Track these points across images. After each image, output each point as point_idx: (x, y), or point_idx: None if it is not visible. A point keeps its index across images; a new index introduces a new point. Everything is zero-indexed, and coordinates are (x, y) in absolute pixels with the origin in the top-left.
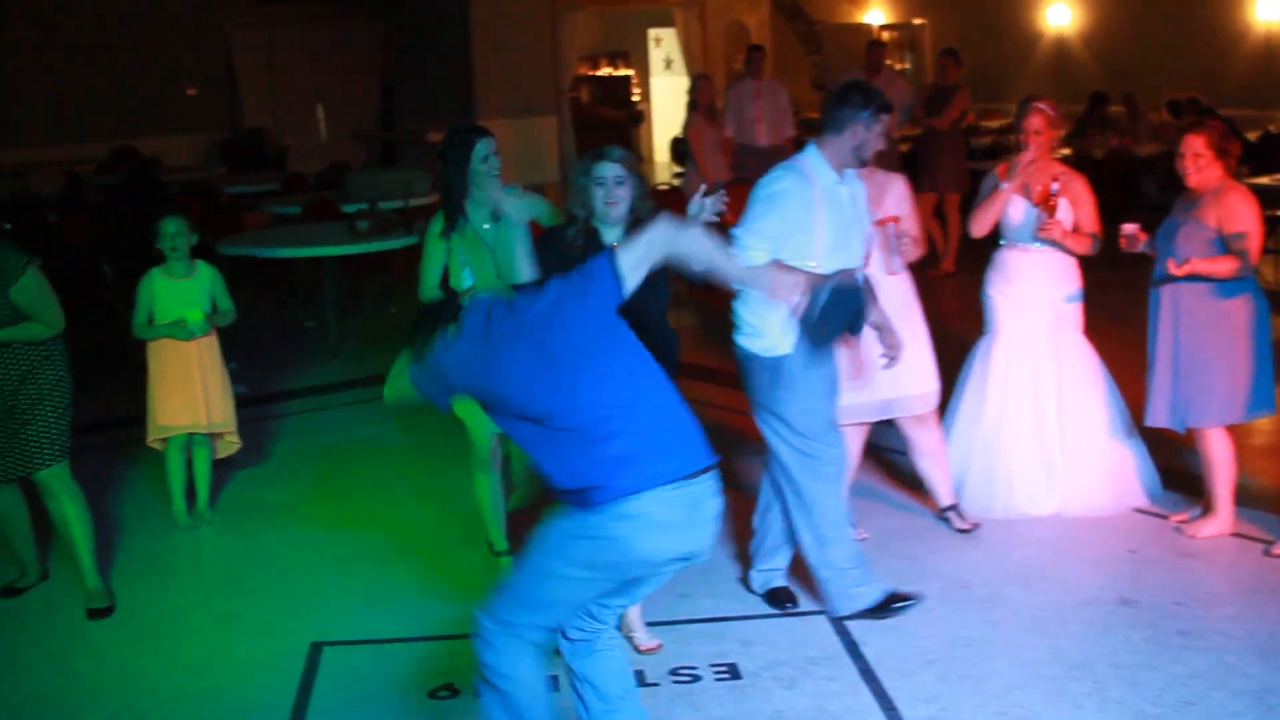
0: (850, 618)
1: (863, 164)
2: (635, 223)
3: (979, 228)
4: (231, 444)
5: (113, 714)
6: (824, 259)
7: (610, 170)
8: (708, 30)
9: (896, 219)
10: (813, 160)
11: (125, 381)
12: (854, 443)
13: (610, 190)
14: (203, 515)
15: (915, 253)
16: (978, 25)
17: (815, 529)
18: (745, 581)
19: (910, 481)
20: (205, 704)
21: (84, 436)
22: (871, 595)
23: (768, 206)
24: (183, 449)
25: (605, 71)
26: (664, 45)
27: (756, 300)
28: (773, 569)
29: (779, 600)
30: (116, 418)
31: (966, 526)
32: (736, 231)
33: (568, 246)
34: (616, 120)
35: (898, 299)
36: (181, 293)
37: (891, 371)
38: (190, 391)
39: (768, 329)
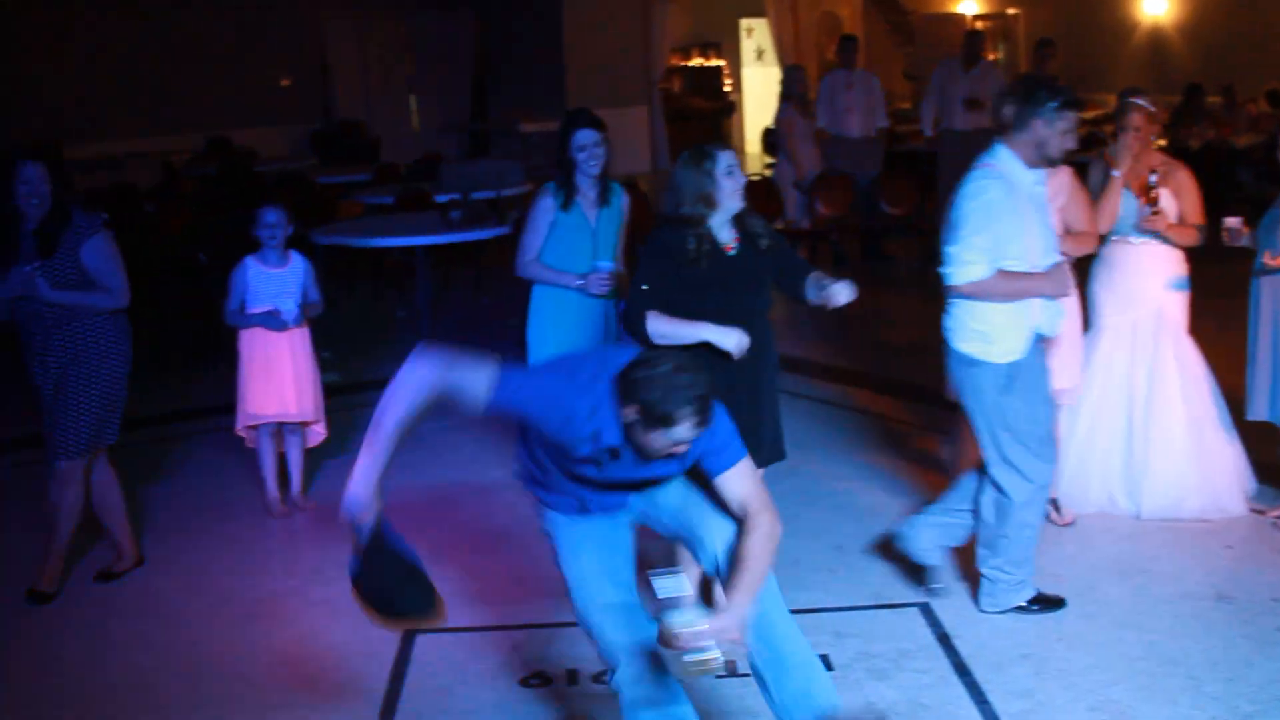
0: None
1: (1051, 163)
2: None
3: (1104, 223)
4: (319, 434)
5: (207, 700)
6: (1038, 260)
7: (733, 157)
8: (799, 20)
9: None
10: (1007, 162)
11: (220, 369)
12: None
13: (738, 178)
14: (296, 503)
15: (1092, 243)
16: (1072, 15)
17: (1004, 538)
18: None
19: None
20: (299, 691)
21: (179, 424)
22: (1024, 595)
23: (983, 219)
24: (272, 437)
25: (697, 62)
26: (755, 36)
27: (986, 306)
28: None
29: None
30: (211, 405)
31: (1064, 522)
32: (951, 249)
33: (690, 261)
34: (708, 111)
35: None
36: (275, 282)
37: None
38: (280, 381)
39: (1000, 335)
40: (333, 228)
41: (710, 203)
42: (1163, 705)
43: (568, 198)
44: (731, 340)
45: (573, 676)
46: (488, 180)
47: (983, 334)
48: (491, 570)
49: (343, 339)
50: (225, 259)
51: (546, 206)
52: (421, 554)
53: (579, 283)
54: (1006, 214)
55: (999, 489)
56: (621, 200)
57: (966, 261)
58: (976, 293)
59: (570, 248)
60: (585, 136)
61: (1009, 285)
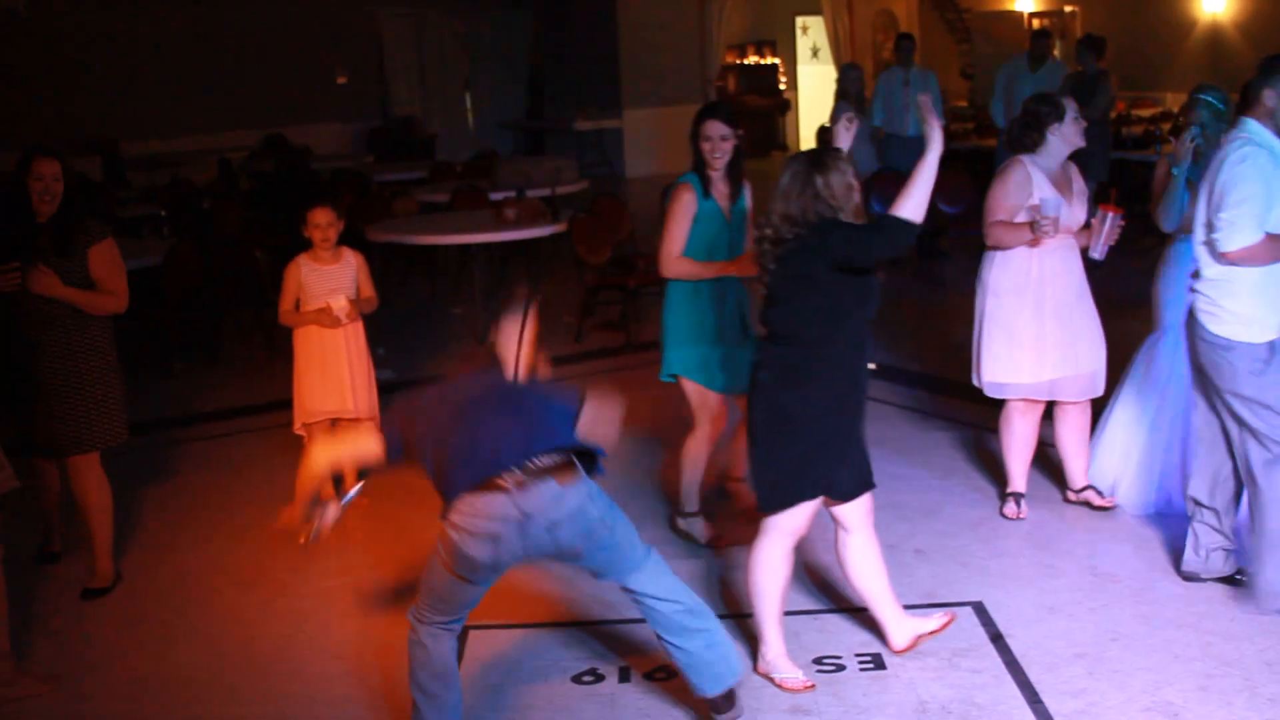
0: None
1: None
2: None
3: (1168, 221)
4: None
5: (261, 692)
6: None
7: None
8: (855, 18)
9: (1120, 209)
10: (1260, 134)
11: (277, 366)
12: (1030, 421)
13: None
14: (351, 500)
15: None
16: (1130, 12)
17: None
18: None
19: (1053, 469)
20: (352, 684)
21: (235, 420)
22: None
23: (1252, 185)
24: (327, 434)
25: (752, 60)
26: (811, 33)
27: (1244, 286)
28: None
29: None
30: (267, 401)
31: (1107, 504)
32: (1222, 215)
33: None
34: (763, 109)
35: (1075, 283)
36: (327, 279)
37: (1067, 353)
38: (336, 378)
39: (1257, 315)
40: (388, 225)
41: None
42: (1218, 708)
43: (704, 187)
44: None
45: (625, 674)
46: (543, 178)
47: (1239, 315)
48: (544, 566)
49: (397, 336)
50: (282, 256)
51: (689, 200)
52: None
53: (731, 270)
54: (1270, 176)
55: (1261, 471)
56: (746, 202)
57: (1238, 227)
58: (1247, 258)
59: (707, 239)
60: (711, 129)
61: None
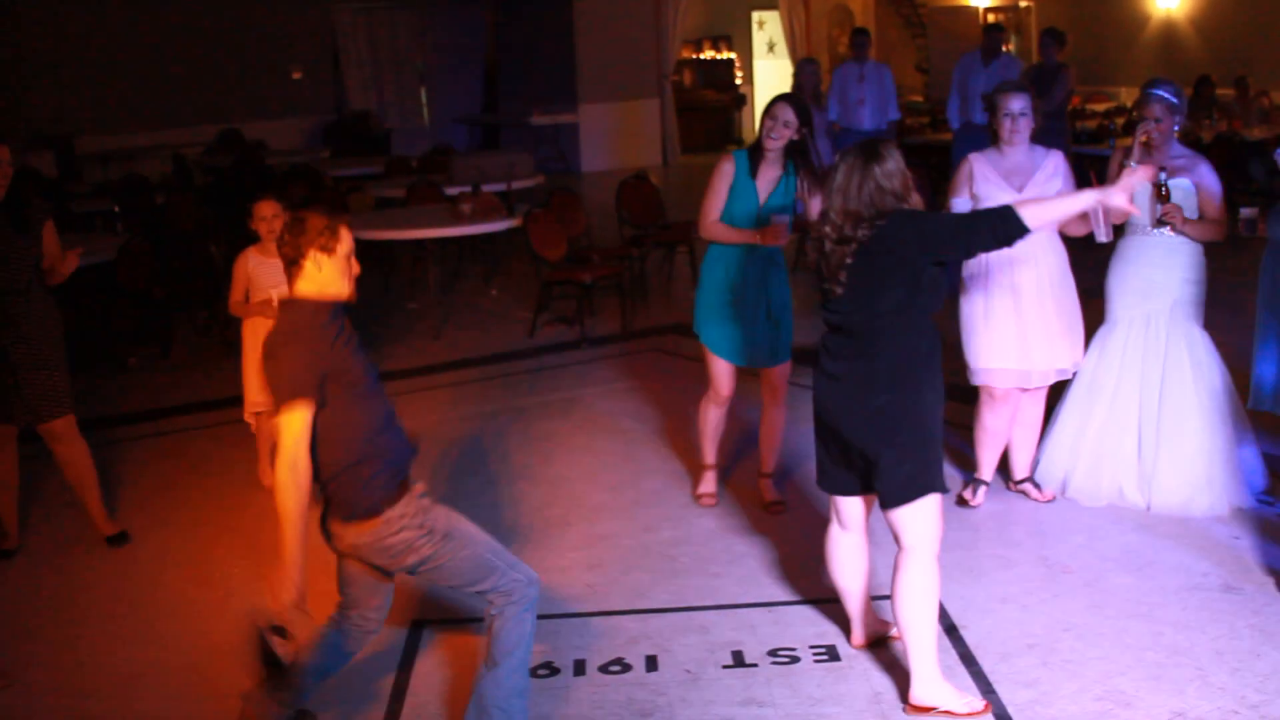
0: None
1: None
2: None
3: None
4: None
5: (211, 690)
6: None
7: None
8: (811, 13)
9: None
10: None
11: (230, 362)
12: (1007, 410)
13: None
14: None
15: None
16: (1084, 8)
17: None
18: None
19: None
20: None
21: (187, 416)
22: None
23: None
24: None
25: (708, 54)
26: (767, 28)
27: None
28: None
29: None
30: (219, 398)
31: (1045, 499)
32: None
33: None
34: (719, 103)
35: (1057, 270)
36: (275, 271)
37: (1045, 341)
38: None
39: None
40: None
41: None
42: (1170, 696)
43: (752, 166)
44: None
45: (580, 666)
46: (498, 173)
47: None
48: None
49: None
50: (236, 251)
51: (727, 171)
52: None
53: (755, 239)
54: None
55: None
56: (791, 195)
57: None
58: None
59: (737, 214)
60: (778, 110)
61: None
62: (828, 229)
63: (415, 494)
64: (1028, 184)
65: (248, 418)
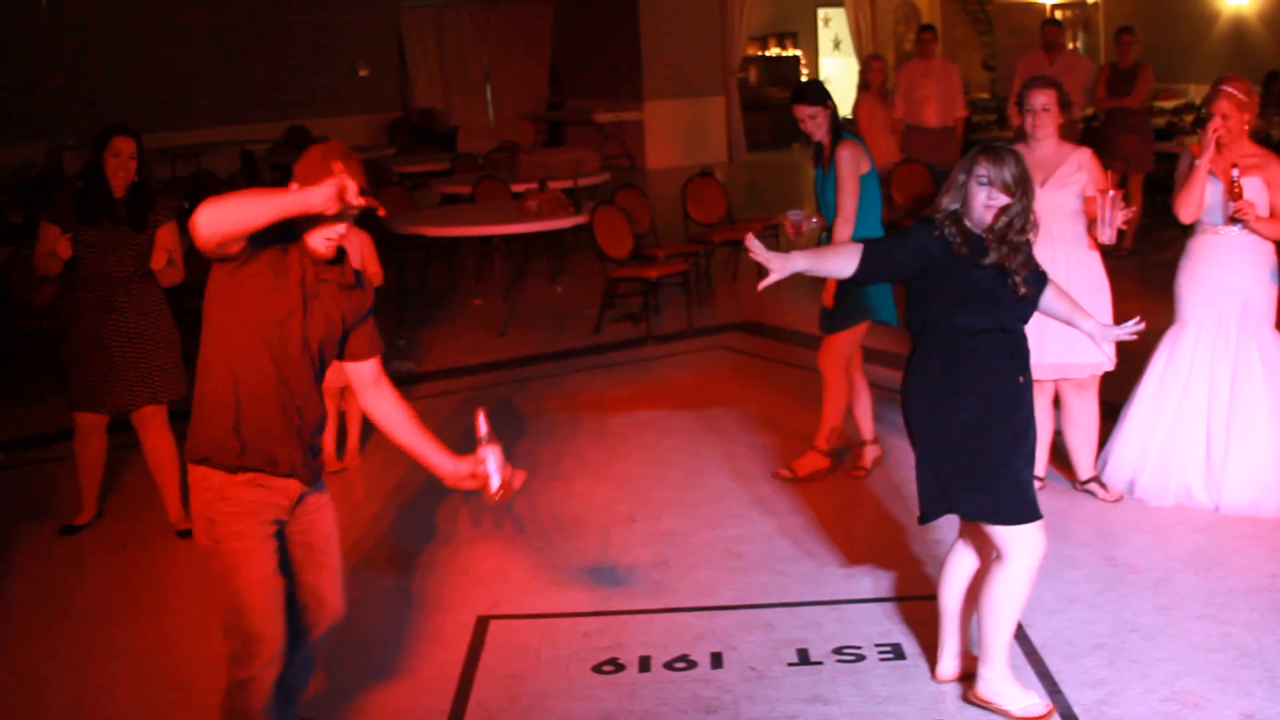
0: None
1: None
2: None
3: (1187, 213)
4: None
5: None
6: None
7: (994, 173)
8: (877, 10)
9: (1119, 190)
10: None
11: None
12: (1039, 403)
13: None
14: (353, 457)
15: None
16: (1153, 4)
17: None
18: None
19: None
20: (374, 675)
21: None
22: None
23: None
24: (335, 399)
25: (774, 52)
26: (833, 25)
27: None
28: None
29: None
30: None
31: (1112, 498)
32: None
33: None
34: (785, 101)
35: (1089, 269)
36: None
37: (1067, 336)
38: None
39: None
40: (410, 217)
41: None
42: (1238, 698)
43: (815, 154)
44: None
45: (645, 663)
46: (564, 170)
47: None
48: (565, 557)
49: (417, 328)
50: None
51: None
52: (497, 540)
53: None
54: None
55: None
56: (835, 165)
57: None
58: None
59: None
60: (796, 111)
61: None
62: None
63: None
64: (1049, 179)
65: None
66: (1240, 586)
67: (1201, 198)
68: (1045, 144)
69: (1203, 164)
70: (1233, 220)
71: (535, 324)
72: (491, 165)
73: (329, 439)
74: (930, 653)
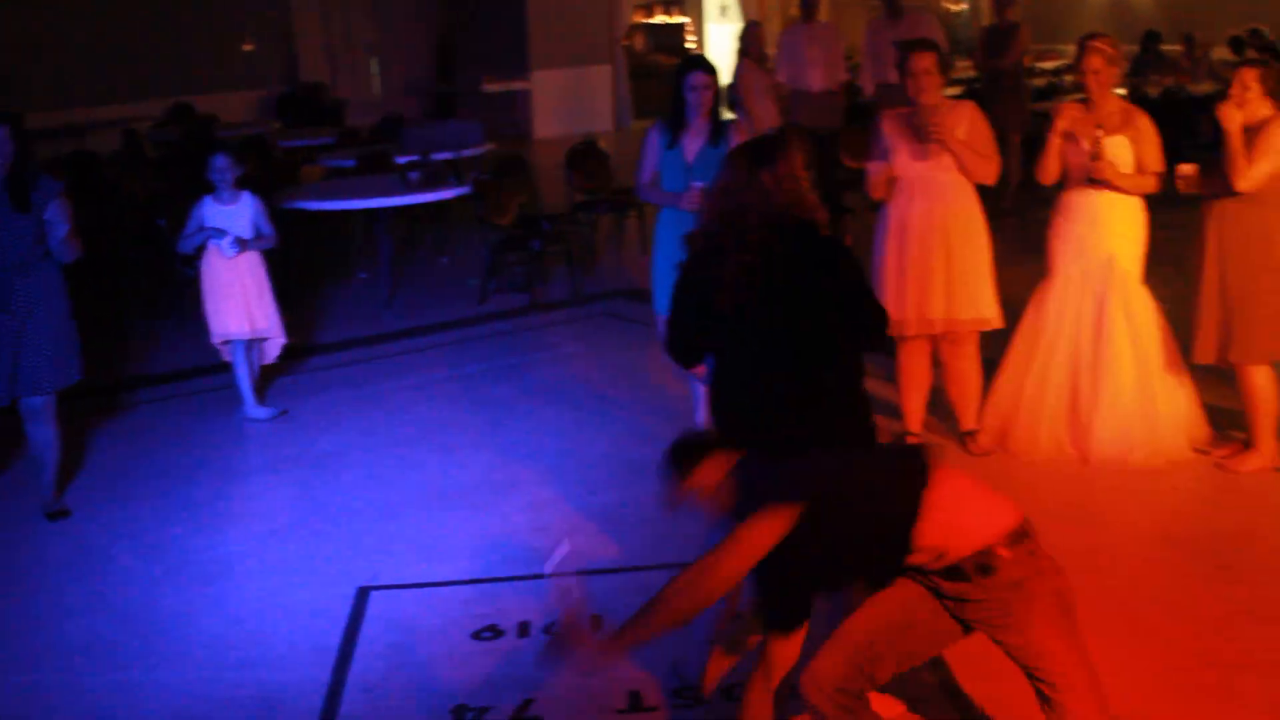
0: None
1: None
2: None
3: (1045, 176)
4: (278, 347)
5: (164, 658)
6: None
7: None
8: None
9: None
10: None
11: (180, 334)
12: (921, 359)
13: None
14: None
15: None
16: None
17: None
18: None
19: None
20: (254, 648)
21: (141, 389)
22: None
23: None
24: (243, 352)
25: (660, 19)
26: None
27: None
28: None
29: None
30: (172, 370)
31: (981, 453)
32: None
33: None
34: (671, 68)
35: (973, 227)
36: (227, 217)
37: (949, 292)
38: (240, 301)
39: None
40: (294, 191)
41: None
42: (1111, 647)
43: (673, 135)
44: None
45: (524, 628)
46: (448, 141)
47: None
48: (446, 526)
49: (304, 302)
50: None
51: (653, 142)
52: (377, 510)
53: (670, 201)
54: None
55: None
56: (730, 138)
57: None
58: None
59: (672, 179)
60: (696, 79)
61: None
62: None
63: None
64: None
65: (218, 345)
66: (1112, 538)
67: (1057, 162)
68: (930, 106)
69: (1053, 133)
70: (1094, 178)
71: (421, 295)
72: (376, 138)
73: None
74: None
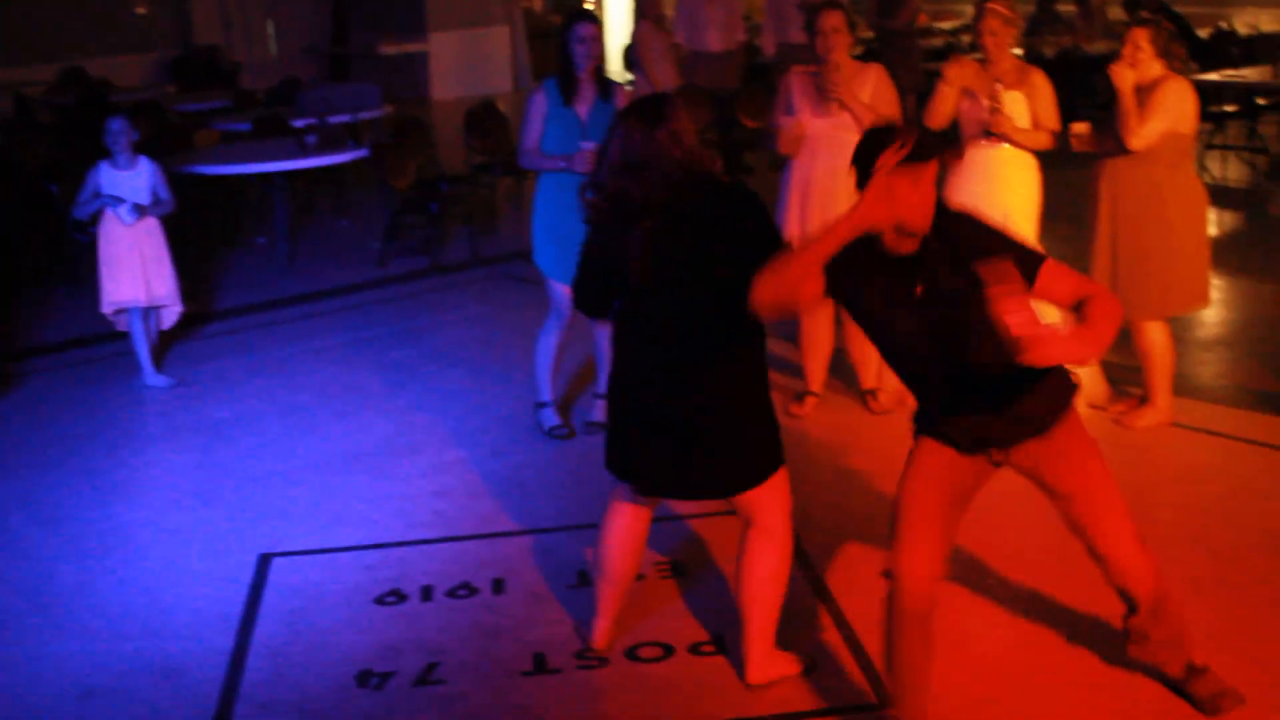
0: None
1: None
2: None
3: (934, 120)
4: (176, 312)
5: (63, 629)
6: None
7: None
8: None
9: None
10: None
11: (75, 303)
12: (823, 319)
13: None
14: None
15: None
16: None
17: None
18: None
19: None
20: (155, 617)
21: (34, 358)
22: None
23: None
24: (140, 319)
25: None
26: None
27: None
28: None
29: None
30: (66, 338)
31: (882, 411)
32: None
33: None
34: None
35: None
36: (124, 182)
37: None
38: (136, 268)
39: None
40: (189, 156)
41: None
42: (1004, 600)
43: (565, 93)
44: None
45: (428, 592)
46: (345, 104)
47: None
48: (348, 491)
49: (201, 268)
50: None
51: (539, 104)
52: (278, 477)
53: (564, 164)
54: None
55: None
56: (617, 96)
57: None
58: None
59: (563, 141)
60: (584, 30)
61: None
62: None
63: None
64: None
65: (110, 314)
66: (1003, 491)
67: (946, 107)
68: (836, 64)
69: (944, 82)
70: (991, 132)
71: (320, 259)
72: (273, 101)
73: None
74: (707, 569)
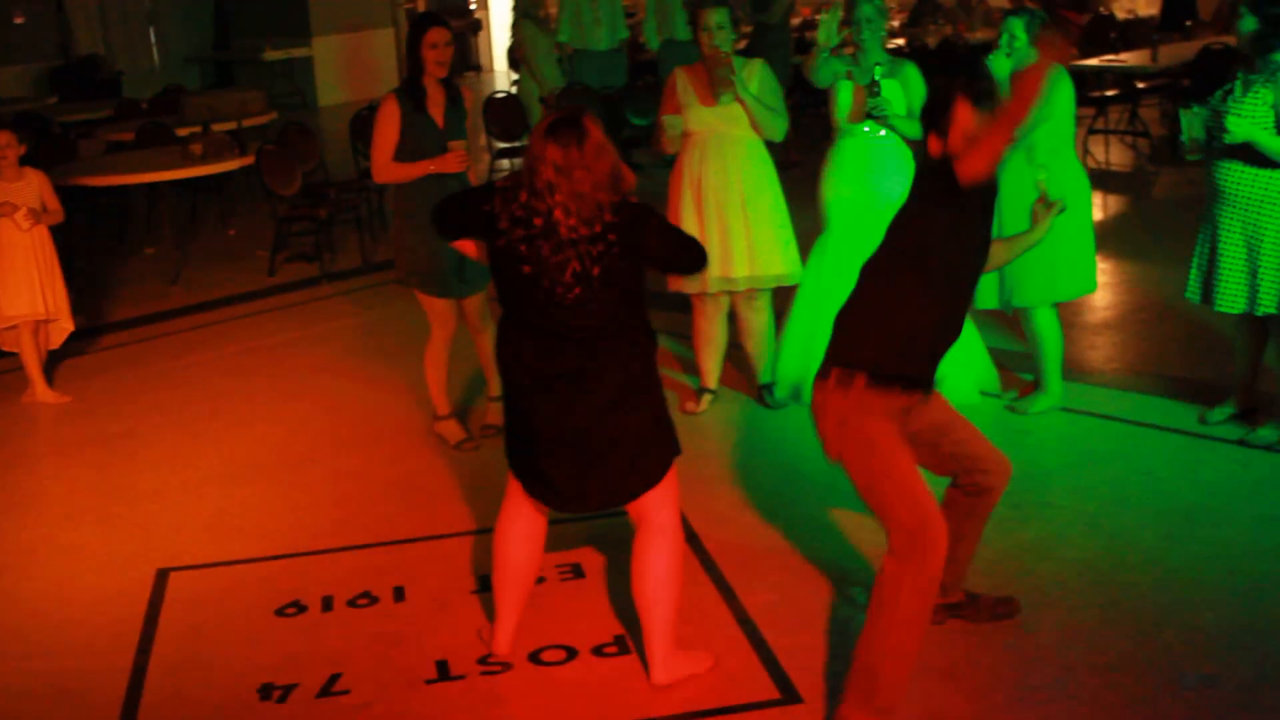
0: None
1: None
2: None
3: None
4: (65, 329)
5: None
6: None
7: None
8: None
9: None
10: None
11: None
12: (717, 316)
13: None
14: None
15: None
16: None
17: None
18: None
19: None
20: (50, 636)
21: None
22: None
23: None
24: (34, 334)
25: None
26: None
27: None
28: None
29: None
30: None
31: (778, 406)
32: None
33: None
34: (455, 29)
35: (756, 180)
36: (12, 195)
37: (752, 251)
38: (25, 281)
39: None
40: (73, 167)
41: None
42: None
43: (417, 101)
44: None
45: (328, 602)
46: (230, 111)
47: None
48: (244, 503)
49: (89, 281)
50: None
51: (391, 114)
52: (173, 492)
53: (433, 167)
54: None
55: None
56: (463, 101)
57: None
58: None
59: (423, 147)
60: (438, 35)
61: None
62: None
63: None
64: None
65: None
66: None
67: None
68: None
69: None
70: (868, 116)
71: (208, 269)
72: (156, 110)
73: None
74: (607, 569)
